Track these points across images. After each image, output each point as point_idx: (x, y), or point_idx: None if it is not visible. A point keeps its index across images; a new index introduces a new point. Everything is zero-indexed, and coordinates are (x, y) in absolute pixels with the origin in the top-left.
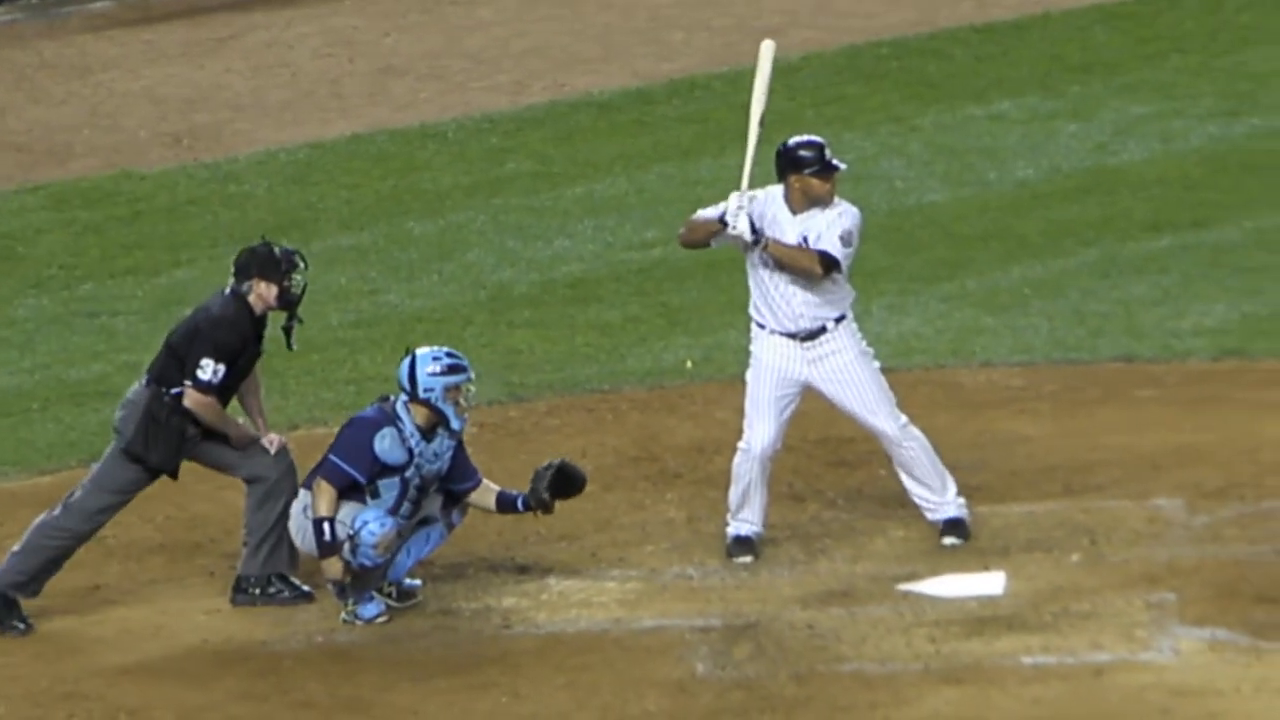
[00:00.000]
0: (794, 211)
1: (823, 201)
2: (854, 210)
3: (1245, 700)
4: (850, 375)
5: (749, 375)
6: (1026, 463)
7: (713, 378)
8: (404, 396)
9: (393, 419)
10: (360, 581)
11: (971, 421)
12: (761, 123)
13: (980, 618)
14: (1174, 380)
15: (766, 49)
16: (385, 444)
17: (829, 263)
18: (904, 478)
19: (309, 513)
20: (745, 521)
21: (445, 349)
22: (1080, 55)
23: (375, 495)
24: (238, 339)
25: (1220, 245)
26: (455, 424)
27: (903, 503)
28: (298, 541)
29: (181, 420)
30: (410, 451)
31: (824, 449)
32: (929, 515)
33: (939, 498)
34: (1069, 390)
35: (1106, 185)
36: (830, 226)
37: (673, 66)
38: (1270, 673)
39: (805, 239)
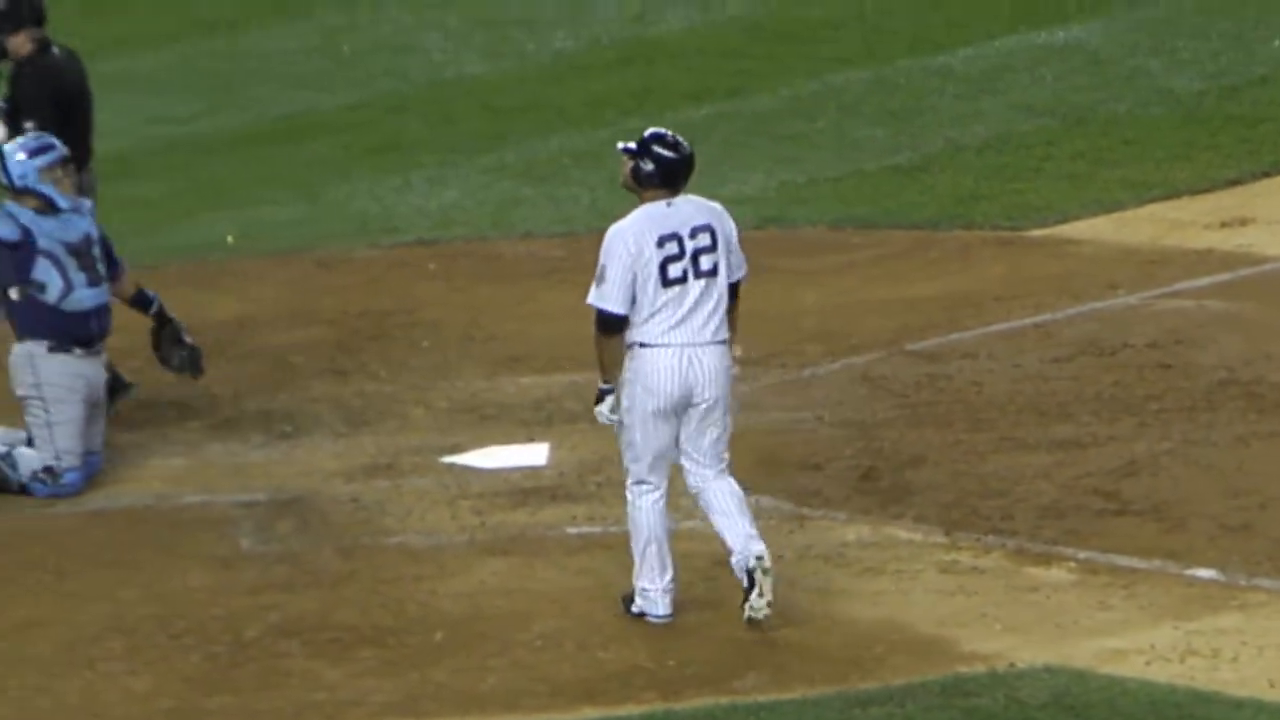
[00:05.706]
0: None
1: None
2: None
3: (789, 566)
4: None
5: None
6: (568, 333)
7: (253, 252)
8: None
9: None
10: None
11: (512, 292)
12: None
13: (524, 489)
14: None
15: None
16: None
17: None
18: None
19: None
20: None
21: (31, 135)
22: None
23: (42, 290)
24: None
25: (758, 114)
26: (62, 203)
27: (445, 374)
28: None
29: None
30: (24, 227)
31: (364, 321)
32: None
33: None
34: None
35: (646, 55)
36: None
37: None
38: (812, 539)
39: None
